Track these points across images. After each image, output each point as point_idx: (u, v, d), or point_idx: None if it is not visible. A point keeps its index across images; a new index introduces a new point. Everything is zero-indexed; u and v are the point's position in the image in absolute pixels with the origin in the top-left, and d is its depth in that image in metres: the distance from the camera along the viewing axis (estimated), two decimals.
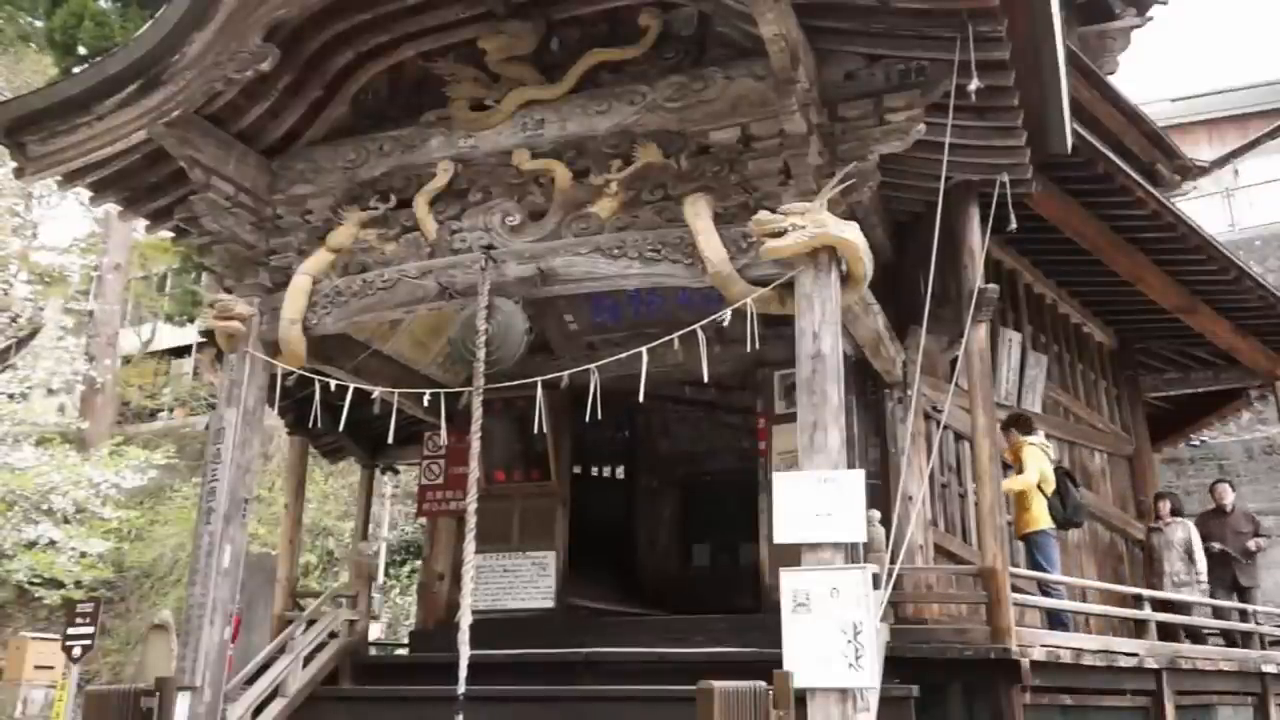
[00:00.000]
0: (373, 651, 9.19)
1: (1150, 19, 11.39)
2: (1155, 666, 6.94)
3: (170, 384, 25.55)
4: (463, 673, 5.16)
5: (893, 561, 5.38)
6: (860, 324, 6.07)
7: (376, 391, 6.42)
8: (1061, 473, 7.72)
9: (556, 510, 8.23)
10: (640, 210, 5.74)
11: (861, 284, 5.35)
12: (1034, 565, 7.25)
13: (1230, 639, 8.61)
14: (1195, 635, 8.41)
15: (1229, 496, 9.58)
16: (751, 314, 5.24)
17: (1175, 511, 9.24)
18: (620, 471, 10.64)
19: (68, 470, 16.14)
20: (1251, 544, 9.26)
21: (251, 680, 6.71)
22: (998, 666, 5.69)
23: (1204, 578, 8.80)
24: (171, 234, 7.14)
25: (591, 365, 5.63)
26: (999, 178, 5.85)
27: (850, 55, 5.30)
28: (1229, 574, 9.14)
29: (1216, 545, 9.14)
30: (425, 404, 6.39)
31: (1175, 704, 7.04)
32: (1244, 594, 9.16)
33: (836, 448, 4.90)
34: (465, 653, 5.22)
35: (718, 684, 4.11)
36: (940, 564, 7.06)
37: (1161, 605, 7.74)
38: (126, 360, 24.81)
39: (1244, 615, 8.67)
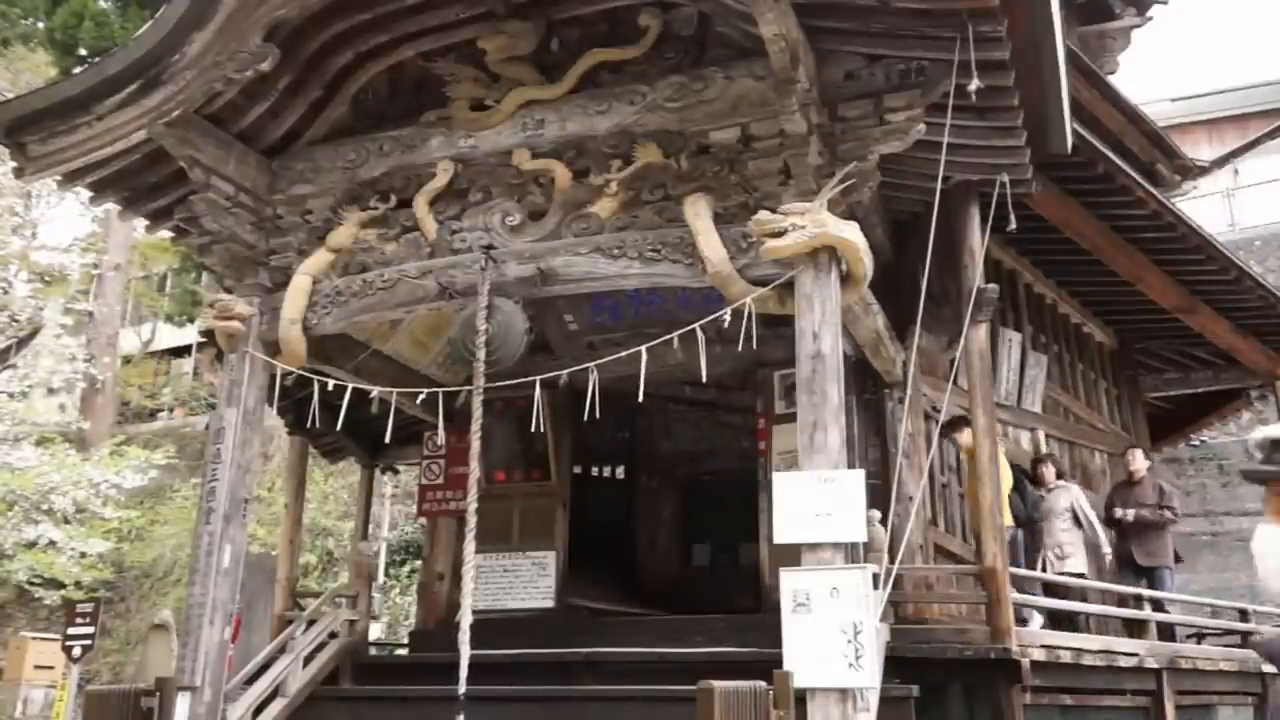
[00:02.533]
0: (373, 651, 9.19)
1: (1150, 19, 11.40)
2: (1155, 666, 6.94)
3: (170, 384, 25.54)
4: (463, 673, 5.16)
5: (892, 561, 5.38)
6: (860, 324, 6.08)
7: (375, 391, 6.42)
8: (1019, 471, 7.51)
9: (556, 510, 8.23)
10: (640, 210, 5.74)
11: (861, 284, 5.35)
12: None
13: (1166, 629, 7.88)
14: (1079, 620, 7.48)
15: (1138, 463, 8.47)
16: (751, 314, 5.24)
17: (1060, 476, 8.12)
18: (620, 471, 10.65)
19: (68, 470, 16.15)
20: (1144, 512, 8.12)
21: (251, 680, 6.71)
22: (998, 666, 5.69)
23: (1106, 547, 7.89)
24: (171, 234, 7.14)
25: (591, 364, 5.63)
26: (999, 178, 5.85)
27: (850, 55, 5.30)
28: (1126, 550, 8.20)
29: (1127, 513, 8.14)
30: (424, 404, 6.38)
31: (1175, 704, 7.04)
32: (1147, 575, 8.13)
33: (836, 448, 4.90)
34: (466, 653, 5.22)
35: (718, 684, 4.11)
36: (940, 564, 7.06)
37: (1048, 589, 7.04)
38: (126, 360, 24.80)
39: (1245, 614, 8.65)
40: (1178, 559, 8.27)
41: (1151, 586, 7.92)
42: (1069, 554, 7.72)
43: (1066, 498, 7.93)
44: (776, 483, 5.01)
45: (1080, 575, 7.59)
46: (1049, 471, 8.06)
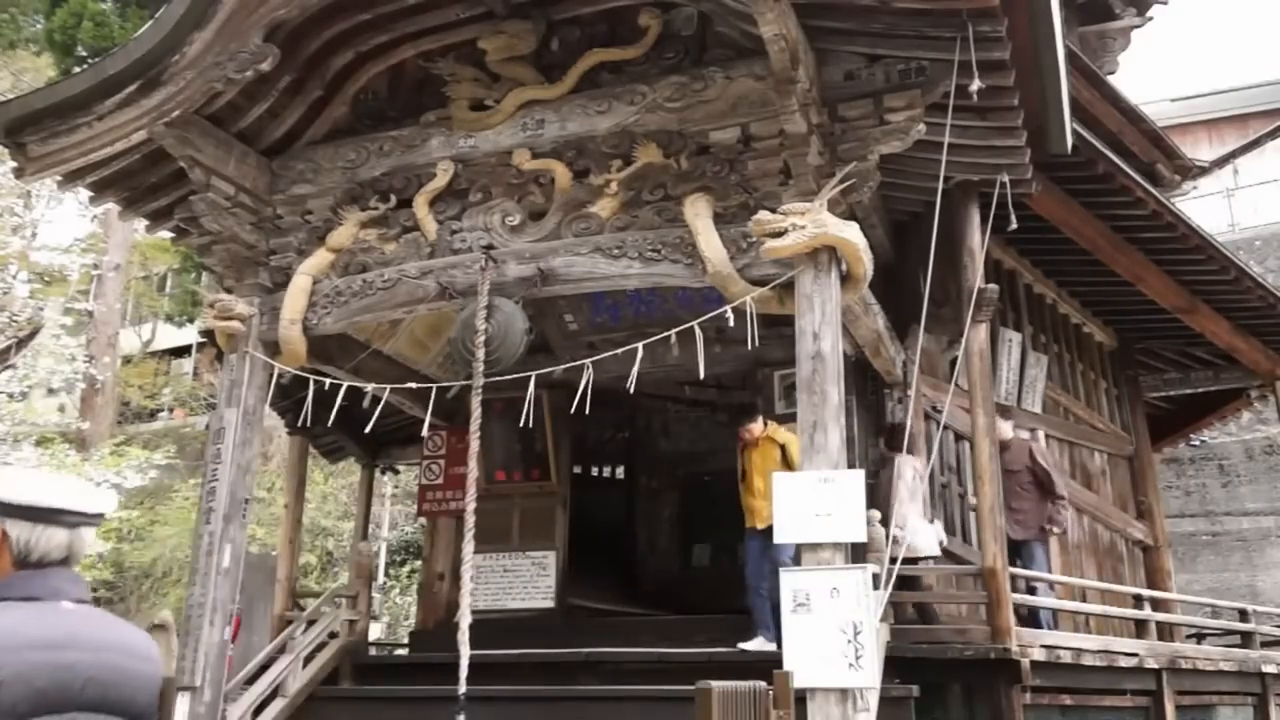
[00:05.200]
0: (373, 651, 9.19)
1: (1150, 19, 11.40)
2: (1155, 666, 6.94)
3: (170, 384, 25.55)
4: (463, 673, 5.16)
5: (892, 561, 5.37)
6: (860, 324, 6.07)
7: (369, 387, 6.41)
8: None
9: (556, 510, 8.24)
10: (640, 210, 5.74)
11: (861, 284, 5.35)
12: (773, 562, 6.14)
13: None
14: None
15: (1003, 428, 7.13)
16: (751, 314, 5.24)
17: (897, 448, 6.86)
18: (620, 471, 10.66)
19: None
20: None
21: (251, 680, 6.71)
22: (998, 666, 5.69)
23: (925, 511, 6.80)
24: (171, 234, 7.15)
25: (587, 361, 5.61)
26: (999, 178, 5.85)
27: (850, 55, 5.29)
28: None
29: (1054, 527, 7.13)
30: (424, 404, 6.38)
31: (1175, 704, 7.04)
32: (1019, 549, 7.05)
33: (836, 448, 4.90)
34: (465, 653, 5.22)
35: (717, 684, 4.11)
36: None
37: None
38: (126, 360, 24.80)
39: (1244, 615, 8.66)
40: (1050, 531, 7.26)
41: (1023, 560, 7.08)
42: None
43: (910, 468, 6.85)
44: (776, 483, 5.01)
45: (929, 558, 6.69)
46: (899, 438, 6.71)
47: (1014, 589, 6.42)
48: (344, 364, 6.77)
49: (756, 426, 6.84)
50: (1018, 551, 7.02)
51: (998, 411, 7.09)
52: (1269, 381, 10.29)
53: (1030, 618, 6.71)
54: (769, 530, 5.90)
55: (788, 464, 6.45)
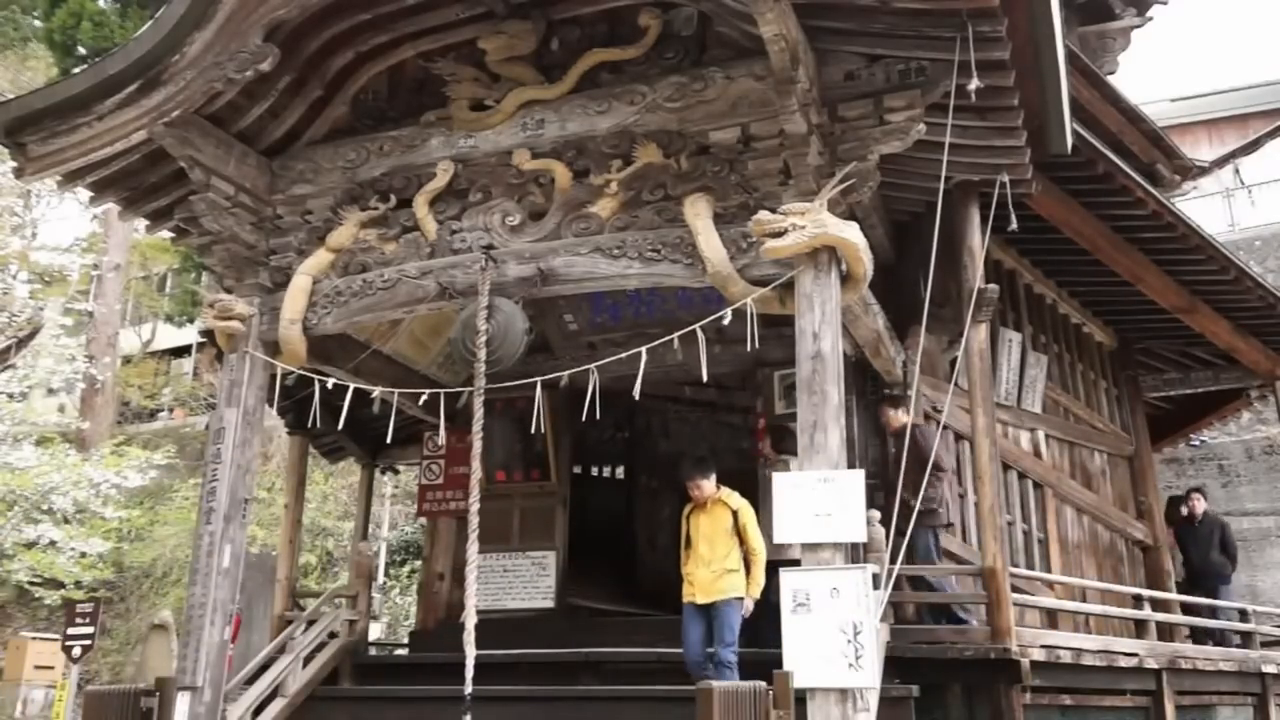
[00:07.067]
0: (373, 651, 9.19)
1: (1150, 19, 11.41)
2: (1155, 666, 6.94)
3: (170, 384, 25.56)
4: (469, 673, 5.16)
5: (893, 561, 5.37)
6: (860, 324, 6.08)
7: (376, 391, 6.43)
8: None
9: (556, 510, 8.24)
10: (640, 210, 5.74)
11: (861, 284, 5.35)
12: (748, 630, 5.88)
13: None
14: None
15: (898, 416, 6.75)
16: (751, 314, 5.24)
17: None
18: (620, 471, 10.66)
19: (68, 470, 16.12)
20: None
21: (251, 680, 6.71)
22: (998, 666, 5.69)
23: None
24: (171, 234, 7.15)
25: (591, 365, 5.63)
26: (999, 178, 5.86)
27: (850, 55, 5.30)
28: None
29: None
30: (425, 404, 6.38)
31: (1175, 704, 7.05)
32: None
33: (836, 448, 4.90)
34: (471, 653, 5.22)
35: (717, 684, 4.12)
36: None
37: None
38: (126, 360, 24.82)
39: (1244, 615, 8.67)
40: (945, 524, 6.80)
41: (911, 548, 6.27)
42: None
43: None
44: (776, 483, 5.01)
45: None
46: None
47: (919, 587, 6.47)
48: (344, 364, 6.77)
49: (708, 485, 6.09)
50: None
51: (888, 402, 6.88)
52: (1269, 381, 10.29)
53: (946, 615, 6.48)
54: (709, 606, 5.97)
55: (739, 532, 6.00)
